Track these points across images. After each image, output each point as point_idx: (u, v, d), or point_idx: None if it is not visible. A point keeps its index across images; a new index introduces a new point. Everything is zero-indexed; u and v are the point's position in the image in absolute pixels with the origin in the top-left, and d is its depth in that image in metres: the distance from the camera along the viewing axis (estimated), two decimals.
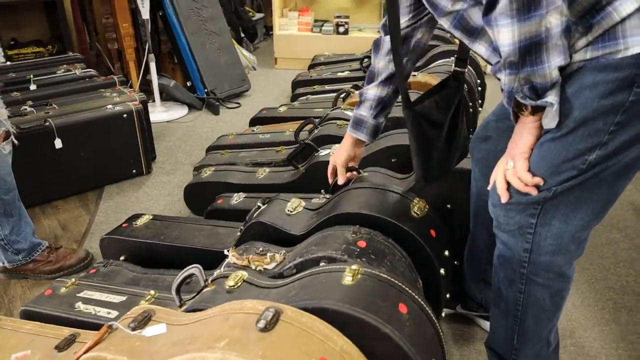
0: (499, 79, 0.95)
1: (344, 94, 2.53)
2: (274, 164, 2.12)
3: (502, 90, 0.96)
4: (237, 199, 1.92)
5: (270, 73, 4.38)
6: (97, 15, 3.72)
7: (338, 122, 2.13)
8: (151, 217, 1.82)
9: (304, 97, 3.10)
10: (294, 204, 1.52)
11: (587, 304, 1.68)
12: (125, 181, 2.48)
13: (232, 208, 1.88)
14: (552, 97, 0.88)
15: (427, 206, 1.40)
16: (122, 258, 1.71)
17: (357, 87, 2.73)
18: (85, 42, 3.68)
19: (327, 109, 2.64)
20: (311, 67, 3.82)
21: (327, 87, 3.16)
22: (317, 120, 2.31)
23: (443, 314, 1.38)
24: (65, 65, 3.04)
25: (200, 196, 2.13)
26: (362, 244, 1.21)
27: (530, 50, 0.83)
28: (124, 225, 1.80)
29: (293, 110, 2.81)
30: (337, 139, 2.01)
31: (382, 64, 1.34)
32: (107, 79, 2.85)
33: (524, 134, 0.97)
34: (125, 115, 2.39)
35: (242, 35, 4.98)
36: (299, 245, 1.33)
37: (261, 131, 2.52)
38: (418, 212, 1.36)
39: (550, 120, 0.92)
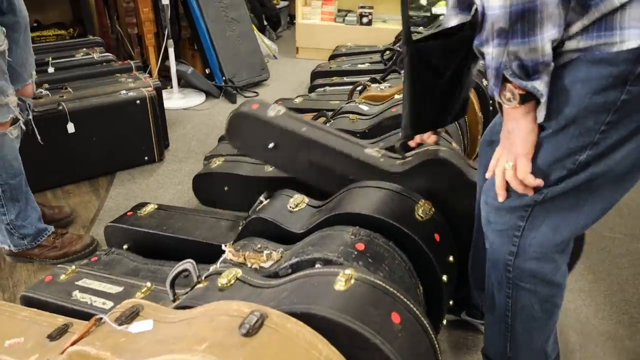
0: (483, 57, 0.85)
1: (360, 87, 2.47)
2: None
3: (485, 71, 0.86)
4: (275, 111, 1.64)
5: (291, 62, 4.33)
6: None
7: (351, 116, 2.08)
8: (156, 206, 1.80)
9: (322, 89, 3.05)
10: (297, 200, 1.48)
11: (600, 317, 1.61)
12: (137, 168, 2.47)
13: (267, 120, 1.60)
14: (540, 84, 0.80)
15: (433, 209, 1.35)
16: (125, 247, 1.70)
17: (374, 80, 2.67)
18: (107, 26, 3.68)
19: (343, 102, 2.59)
20: (332, 57, 3.76)
21: (345, 79, 3.10)
22: (331, 113, 2.27)
23: (444, 322, 1.32)
24: (85, 49, 3.05)
25: (208, 187, 2.11)
26: (360, 246, 1.17)
27: (522, 17, 0.74)
28: (128, 213, 1.79)
29: (309, 101, 2.76)
30: (349, 134, 1.96)
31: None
32: (124, 63, 2.84)
33: (520, 130, 0.88)
34: (138, 102, 2.38)
35: (265, 23, 4.93)
36: (298, 243, 1.29)
37: None
38: (422, 215, 1.31)
39: (538, 111, 0.85)
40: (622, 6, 0.75)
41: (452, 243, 1.36)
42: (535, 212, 0.94)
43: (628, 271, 1.82)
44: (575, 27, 0.79)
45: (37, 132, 1.96)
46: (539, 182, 0.91)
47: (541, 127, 0.88)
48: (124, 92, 2.41)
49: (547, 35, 0.76)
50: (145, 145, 2.47)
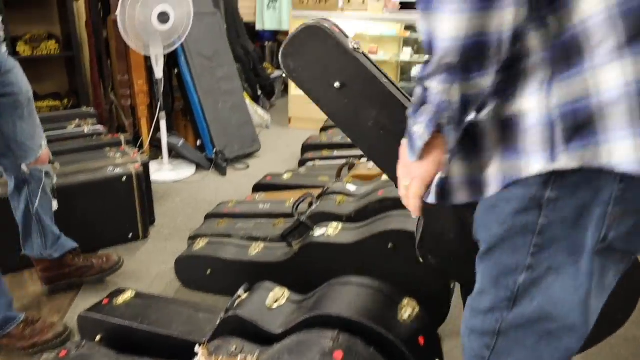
0: (425, 88, 0.74)
1: (348, 165, 2.46)
2: (268, 239, 2.03)
3: (418, 101, 0.76)
4: (355, 44, 1.52)
5: (284, 132, 4.36)
6: (114, 71, 3.78)
7: (338, 197, 2.05)
8: (134, 294, 1.73)
9: (311, 163, 3.05)
10: (277, 294, 1.43)
11: None
12: (121, 246, 2.41)
13: (347, 50, 1.29)
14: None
15: (417, 307, 1.29)
16: (98, 337, 1.62)
17: (361, 157, 2.66)
18: (101, 97, 3.73)
19: (332, 177, 2.57)
20: (323, 129, 3.78)
21: (335, 153, 3.10)
22: (321, 189, 2.24)
23: None
24: (77, 120, 3.05)
25: (191, 270, 2.05)
26: (338, 355, 1.10)
27: (475, 51, 0.65)
28: (104, 301, 1.72)
29: (298, 177, 2.75)
30: (334, 217, 1.93)
31: None
32: (113, 137, 2.84)
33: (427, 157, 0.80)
34: (124, 179, 2.35)
35: (259, 92, 5.02)
36: (275, 346, 1.22)
37: (262, 199, 2.45)
38: (406, 317, 1.25)
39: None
40: (524, 115, 0.71)
41: (439, 344, 1.29)
42: (499, 343, 0.88)
43: None
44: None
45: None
46: (418, 205, 0.86)
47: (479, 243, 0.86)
48: (110, 168, 2.39)
49: (494, 69, 0.69)
50: (129, 222, 2.42)
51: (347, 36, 1.32)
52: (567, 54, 0.65)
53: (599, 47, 0.63)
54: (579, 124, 0.66)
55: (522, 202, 0.75)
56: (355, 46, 1.28)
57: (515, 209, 0.76)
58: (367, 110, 1.27)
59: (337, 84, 1.27)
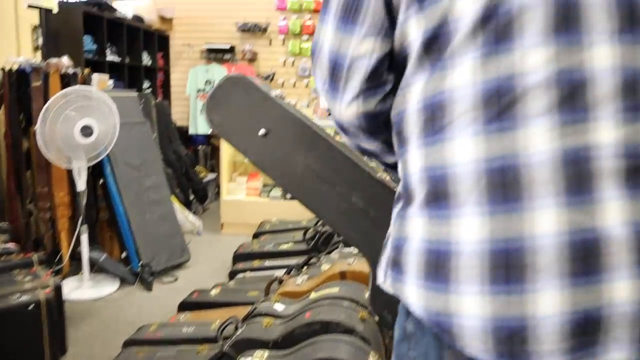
0: None
1: (277, 280, 2.38)
2: None
3: None
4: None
5: (215, 239, 4.24)
6: (35, 183, 3.61)
7: (264, 320, 1.94)
8: None
9: (242, 275, 2.94)
10: None
11: None
12: None
13: (268, 96, 1.31)
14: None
15: None
16: None
17: (294, 268, 2.60)
18: (17, 211, 3.51)
19: (262, 292, 2.48)
20: (256, 235, 3.72)
21: (266, 263, 3.02)
22: (249, 307, 2.13)
23: None
24: None
25: None
26: None
27: (355, 128, 0.81)
28: None
29: (226, 293, 2.63)
30: (260, 343, 1.82)
31: None
32: (25, 257, 2.64)
33: None
34: (31, 307, 2.15)
35: (192, 197, 4.93)
36: None
37: (187, 321, 2.30)
38: None
39: None
40: (387, 240, 0.75)
41: None
42: None
43: None
44: None
45: None
46: None
47: None
48: (17, 295, 2.19)
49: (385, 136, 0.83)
50: (35, 355, 2.19)
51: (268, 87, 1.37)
52: (405, 193, 0.71)
53: (414, 201, 0.68)
54: (395, 260, 0.70)
55: (399, 331, 0.74)
56: (278, 94, 1.32)
57: (398, 338, 0.75)
58: (295, 154, 1.26)
59: (262, 131, 1.26)
